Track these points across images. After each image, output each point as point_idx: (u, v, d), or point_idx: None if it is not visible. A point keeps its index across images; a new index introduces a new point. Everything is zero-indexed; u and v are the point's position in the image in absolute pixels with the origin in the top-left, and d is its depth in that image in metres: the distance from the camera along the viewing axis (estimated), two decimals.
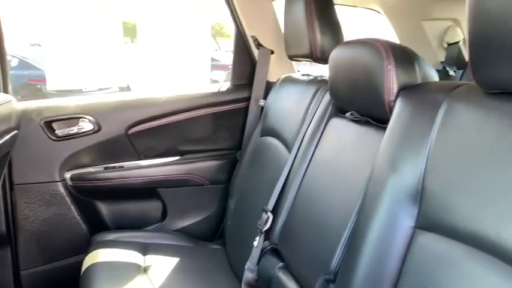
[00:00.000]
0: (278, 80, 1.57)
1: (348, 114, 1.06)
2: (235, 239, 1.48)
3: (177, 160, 1.72)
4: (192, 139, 1.74)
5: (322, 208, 1.05)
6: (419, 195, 0.72)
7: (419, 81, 0.90)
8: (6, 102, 1.20)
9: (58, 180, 1.60)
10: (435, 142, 0.72)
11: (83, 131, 1.61)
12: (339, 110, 1.14)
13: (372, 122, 0.99)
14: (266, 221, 1.21)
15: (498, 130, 0.62)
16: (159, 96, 1.71)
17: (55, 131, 1.59)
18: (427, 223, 0.71)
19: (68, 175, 1.61)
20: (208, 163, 1.72)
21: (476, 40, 0.63)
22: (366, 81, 0.94)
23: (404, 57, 0.90)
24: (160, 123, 1.67)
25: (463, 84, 0.76)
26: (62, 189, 1.60)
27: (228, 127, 1.76)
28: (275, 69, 1.71)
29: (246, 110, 1.72)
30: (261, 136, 1.53)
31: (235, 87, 1.78)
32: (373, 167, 0.84)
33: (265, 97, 1.64)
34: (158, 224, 1.72)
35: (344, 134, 1.09)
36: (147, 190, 1.69)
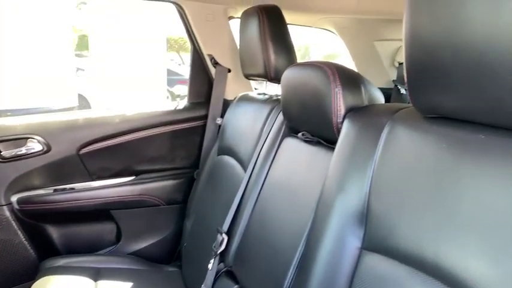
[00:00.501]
0: (235, 98, 1.57)
1: (299, 134, 1.07)
2: (191, 261, 1.45)
3: (131, 180, 1.67)
4: (147, 158, 1.70)
5: (276, 229, 1.04)
6: (365, 216, 0.73)
7: (365, 103, 0.93)
8: None
9: (3, 204, 1.51)
10: (378, 163, 0.73)
11: (31, 151, 1.54)
12: (291, 129, 1.15)
13: (323, 142, 1.00)
14: (221, 243, 1.19)
15: (435, 154, 0.64)
16: (113, 115, 1.67)
17: (1, 152, 1.51)
18: (372, 244, 0.72)
19: (14, 198, 1.53)
20: (164, 183, 1.69)
21: (412, 67, 0.65)
22: (315, 103, 0.95)
23: (350, 80, 0.92)
24: (114, 142, 1.63)
25: (405, 107, 0.78)
26: (7, 213, 1.52)
27: (185, 146, 1.74)
28: (233, 87, 1.71)
29: (203, 128, 1.71)
30: (218, 155, 1.52)
31: (193, 105, 1.77)
32: (322, 187, 0.85)
33: (222, 115, 1.64)
34: (112, 248, 1.65)
35: (296, 154, 1.09)
36: (100, 212, 1.63)
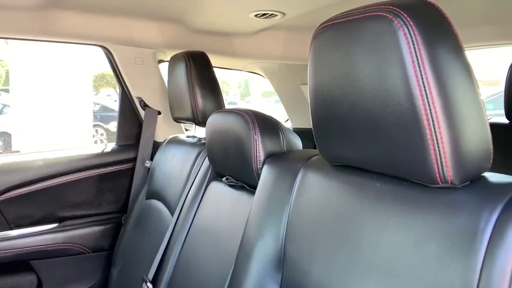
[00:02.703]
0: (164, 140, 1.57)
1: (224, 178, 1.10)
2: None
3: (54, 228, 1.58)
4: (72, 204, 1.63)
5: (200, 276, 1.04)
6: (282, 261, 0.76)
7: (284, 149, 0.98)
8: None
9: None
10: (292, 209, 0.77)
11: None
12: (217, 174, 1.17)
13: (246, 187, 1.03)
14: None
15: (339, 200, 0.69)
16: (34, 159, 1.59)
17: None
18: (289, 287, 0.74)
19: None
20: (90, 229, 1.62)
21: (316, 120, 0.70)
22: (237, 149, 0.99)
23: (269, 127, 0.97)
24: (36, 188, 1.55)
25: (318, 154, 0.83)
26: None
27: (112, 189, 1.69)
28: (164, 129, 1.71)
29: (132, 171, 1.68)
30: (147, 199, 1.50)
31: (121, 148, 1.74)
32: (243, 233, 0.87)
33: (152, 158, 1.63)
34: None
35: (221, 199, 1.11)
36: (19, 263, 1.51)
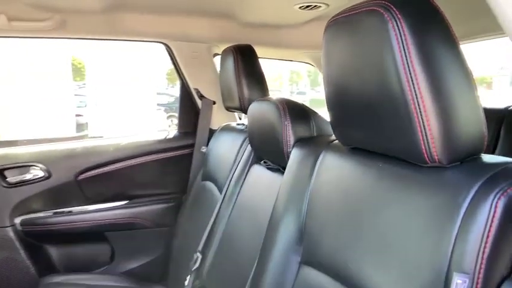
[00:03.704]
0: (218, 128, 1.71)
1: (262, 162, 1.20)
2: (175, 279, 1.56)
3: (124, 204, 1.81)
4: (139, 184, 1.84)
5: (241, 247, 1.16)
6: (302, 235, 0.85)
7: (314, 134, 1.05)
8: None
9: (8, 225, 1.66)
10: (313, 187, 0.85)
11: (33, 178, 1.70)
12: (257, 157, 1.28)
13: (281, 169, 1.12)
14: (195, 261, 1.31)
15: (348, 179, 0.76)
16: (108, 144, 1.82)
17: (6, 178, 1.67)
18: (307, 259, 0.83)
19: (18, 220, 1.68)
20: (154, 207, 1.82)
21: (331, 107, 0.78)
22: (271, 134, 1.08)
23: (299, 114, 1.05)
24: (109, 169, 1.78)
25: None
26: (11, 233, 1.66)
27: (174, 172, 1.87)
28: (219, 117, 1.86)
29: (191, 156, 1.85)
30: (202, 180, 1.65)
31: (182, 135, 1.92)
32: (272, 209, 0.97)
33: (207, 144, 1.78)
34: (105, 267, 1.78)
35: (260, 180, 1.22)
36: (95, 234, 1.76)
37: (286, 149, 1.03)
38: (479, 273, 0.50)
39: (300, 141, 1.01)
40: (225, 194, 1.34)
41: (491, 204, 0.51)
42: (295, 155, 0.98)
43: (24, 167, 1.70)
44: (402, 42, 0.57)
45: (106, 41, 1.68)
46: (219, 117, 1.84)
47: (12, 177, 1.68)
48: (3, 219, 1.66)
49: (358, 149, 0.77)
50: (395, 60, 0.58)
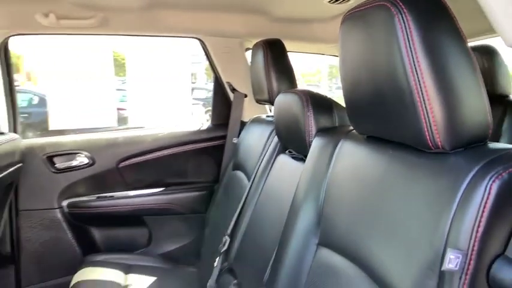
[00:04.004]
0: (249, 120, 1.78)
1: (287, 151, 1.26)
2: (206, 262, 1.65)
3: (161, 191, 1.93)
4: (175, 173, 1.95)
5: (266, 231, 1.22)
6: (320, 218, 0.90)
7: (336, 124, 1.10)
8: (11, 140, 1.45)
9: (56, 207, 1.82)
10: (331, 174, 0.91)
11: (79, 164, 1.84)
12: (283, 147, 1.33)
13: (304, 158, 1.18)
14: (224, 244, 1.39)
15: (366, 165, 0.81)
16: (146, 134, 1.95)
17: (55, 164, 1.83)
18: (324, 241, 0.88)
19: (64, 203, 1.83)
20: (189, 194, 1.93)
21: (347, 98, 0.82)
22: (295, 125, 1.14)
23: (322, 105, 1.10)
24: (148, 158, 1.90)
25: None
26: (59, 215, 1.82)
27: (207, 162, 1.97)
28: (251, 110, 1.93)
29: (223, 147, 1.93)
30: (233, 170, 1.73)
31: (215, 127, 2.01)
32: (294, 196, 1.03)
33: (239, 135, 1.85)
34: (144, 249, 1.91)
35: (285, 169, 1.28)
36: (135, 217, 1.89)
37: (308, 139, 1.09)
38: (472, 250, 0.53)
39: (321, 131, 1.06)
40: (252, 182, 1.41)
41: (486, 187, 0.54)
42: (315, 144, 1.03)
43: (71, 154, 1.84)
44: (407, 34, 0.61)
45: (145, 37, 1.79)
46: (250, 110, 1.91)
47: (60, 164, 1.83)
48: (51, 201, 1.82)
49: (373, 137, 0.81)
50: (400, 51, 0.62)
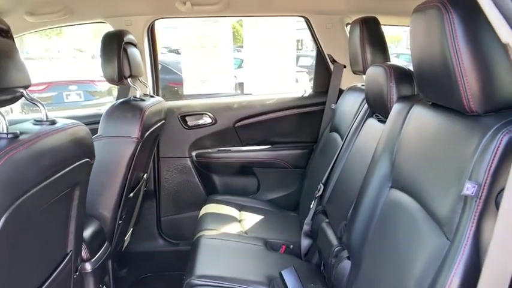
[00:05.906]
0: (347, 88, 2.02)
1: (374, 115, 1.49)
2: (304, 207, 1.98)
3: (268, 148, 2.31)
4: (280, 133, 2.30)
5: (352, 180, 1.49)
6: (393, 167, 1.15)
7: (415, 93, 1.31)
8: (159, 102, 1.91)
9: (187, 156, 2.30)
10: (403, 132, 1.14)
11: (205, 123, 2.29)
12: (372, 112, 1.57)
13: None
14: (319, 190, 1.70)
15: (426, 124, 1.04)
16: (258, 99, 2.31)
17: (187, 122, 2.30)
18: (395, 184, 1.13)
19: (193, 153, 2.31)
20: (291, 152, 2.27)
21: (417, 72, 1.04)
22: (380, 92, 1.37)
23: (402, 76, 1.31)
24: (258, 120, 2.27)
25: None
26: (189, 163, 2.31)
27: (308, 125, 2.27)
28: (349, 79, 2.15)
29: (322, 111, 2.21)
30: (330, 132, 2.01)
31: (316, 94, 2.29)
32: (375, 150, 1.28)
33: (336, 102, 2.11)
34: (253, 195, 2.31)
35: (371, 130, 1.52)
36: (246, 168, 2.30)
37: (390, 105, 1.31)
38: (485, 183, 0.76)
39: (400, 98, 1.28)
40: (344, 141, 1.68)
41: (497, 140, 0.75)
42: (394, 110, 1.25)
43: (199, 114, 2.30)
44: (451, 28, 0.82)
45: (260, 17, 2.12)
46: (348, 79, 2.14)
47: (190, 122, 2.30)
48: (184, 152, 2.31)
49: (435, 104, 1.03)
50: (447, 39, 0.84)
